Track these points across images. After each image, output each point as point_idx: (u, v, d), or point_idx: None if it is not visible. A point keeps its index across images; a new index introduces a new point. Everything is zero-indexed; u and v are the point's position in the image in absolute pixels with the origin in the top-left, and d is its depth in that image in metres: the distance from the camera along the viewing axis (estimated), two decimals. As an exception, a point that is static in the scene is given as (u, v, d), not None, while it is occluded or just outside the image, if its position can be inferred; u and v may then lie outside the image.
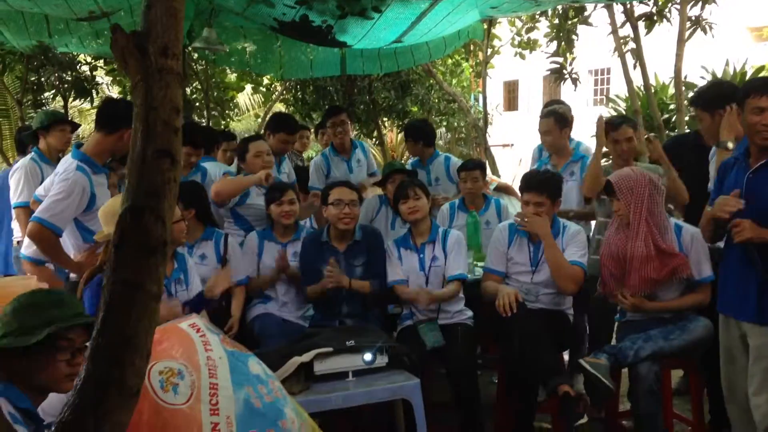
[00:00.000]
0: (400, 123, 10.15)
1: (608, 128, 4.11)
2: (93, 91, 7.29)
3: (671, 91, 8.09)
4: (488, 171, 6.46)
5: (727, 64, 9.29)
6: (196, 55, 8.03)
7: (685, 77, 6.77)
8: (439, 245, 3.84)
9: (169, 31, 1.28)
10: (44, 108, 7.14)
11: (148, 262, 1.20)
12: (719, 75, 8.99)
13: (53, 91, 7.41)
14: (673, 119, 7.40)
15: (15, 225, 4.49)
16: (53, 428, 1.08)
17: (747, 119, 2.92)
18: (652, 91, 6.58)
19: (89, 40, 6.19)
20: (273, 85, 10.64)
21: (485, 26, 7.68)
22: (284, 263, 3.89)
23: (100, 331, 1.14)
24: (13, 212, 4.45)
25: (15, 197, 4.38)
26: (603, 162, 4.31)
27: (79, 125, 5.94)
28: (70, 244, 3.29)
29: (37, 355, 1.86)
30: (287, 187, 3.99)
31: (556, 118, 4.49)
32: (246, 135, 14.66)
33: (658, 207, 3.40)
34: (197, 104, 8.78)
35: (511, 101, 24.86)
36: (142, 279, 1.18)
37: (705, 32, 6.16)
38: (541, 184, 3.72)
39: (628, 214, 3.40)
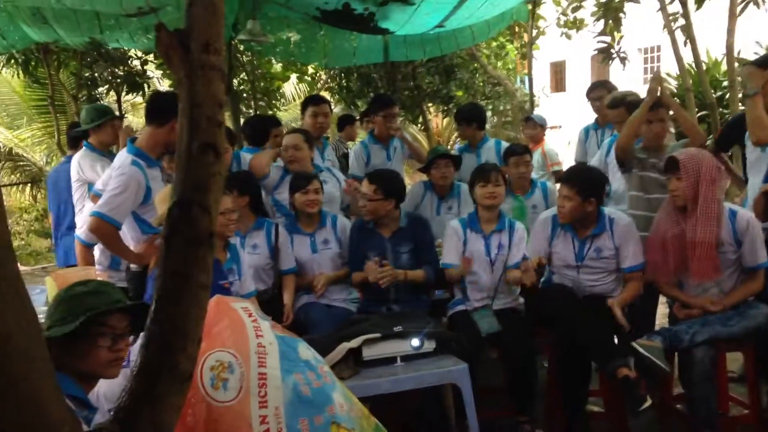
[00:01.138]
0: (445, 108, 10.09)
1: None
2: (144, 85, 7.45)
3: (724, 67, 7.85)
4: (553, 155, 6.45)
5: (782, 38, 8.97)
6: (242, 47, 8.13)
7: (738, 53, 6.55)
8: (506, 235, 3.79)
9: (210, 28, 1.31)
10: (93, 103, 7.32)
11: (197, 254, 1.24)
12: (775, 49, 8.68)
13: (106, 86, 7.61)
14: (726, 97, 7.18)
15: (78, 218, 4.62)
16: (111, 413, 1.14)
17: None
18: (704, 68, 6.39)
19: (139, 35, 6.36)
20: (317, 74, 10.70)
21: (530, 7, 7.57)
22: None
23: (152, 320, 1.19)
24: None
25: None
26: None
27: (124, 116, 6.06)
28: (129, 236, 3.40)
29: (79, 343, 1.92)
30: (312, 176, 4.00)
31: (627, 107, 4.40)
32: (292, 124, 14.85)
33: (720, 193, 3.31)
34: (245, 95, 8.90)
35: (559, 82, 24.48)
36: (191, 270, 1.22)
37: (758, 6, 5.94)
38: (572, 177, 3.62)
39: (686, 196, 3.30)
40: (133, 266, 3.46)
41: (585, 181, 3.57)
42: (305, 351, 2.35)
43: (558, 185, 4.84)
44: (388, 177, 3.89)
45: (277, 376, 2.13)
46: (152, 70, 8.66)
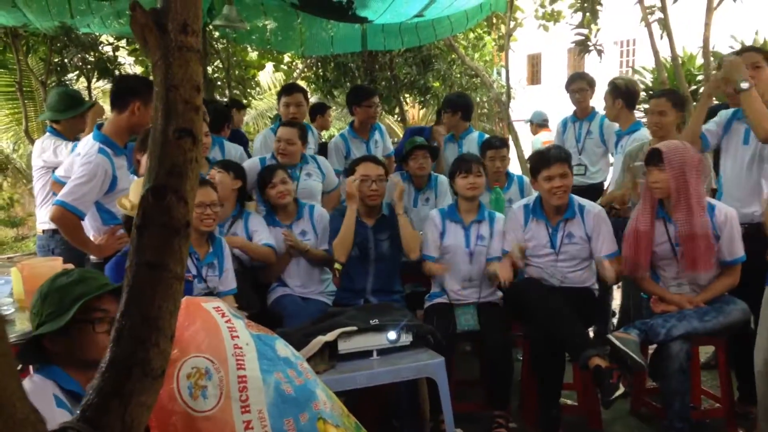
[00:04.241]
0: (422, 99, 10.05)
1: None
2: (116, 71, 7.29)
3: (699, 61, 7.90)
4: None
5: (756, 33, 9.04)
6: (217, 34, 7.99)
7: (714, 47, 6.59)
8: (486, 225, 3.80)
9: (188, 7, 1.24)
10: (64, 88, 7.14)
11: (171, 243, 1.18)
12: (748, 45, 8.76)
13: (76, 72, 7.43)
14: (701, 91, 7.22)
15: (40, 211, 4.46)
16: (79, 411, 1.08)
17: None
18: (680, 61, 6.39)
19: (111, 20, 6.21)
20: (294, 63, 10.58)
21: (508, -2, 7.54)
22: (290, 243, 3.84)
23: (123, 313, 1.13)
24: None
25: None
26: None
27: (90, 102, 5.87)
28: (90, 226, 3.29)
29: (76, 333, 1.87)
30: (275, 167, 3.98)
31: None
32: (268, 114, 14.68)
33: (701, 187, 3.32)
34: (219, 83, 8.76)
35: (535, 75, 24.59)
36: (166, 260, 1.16)
37: (734, 0, 5.99)
38: (561, 154, 3.63)
39: (666, 188, 3.28)
40: (93, 258, 3.36)
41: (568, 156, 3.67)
42: (283, 348, 2.28)
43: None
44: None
45: (258, 378, 2.06)
46: (124, 56, 8.47)
